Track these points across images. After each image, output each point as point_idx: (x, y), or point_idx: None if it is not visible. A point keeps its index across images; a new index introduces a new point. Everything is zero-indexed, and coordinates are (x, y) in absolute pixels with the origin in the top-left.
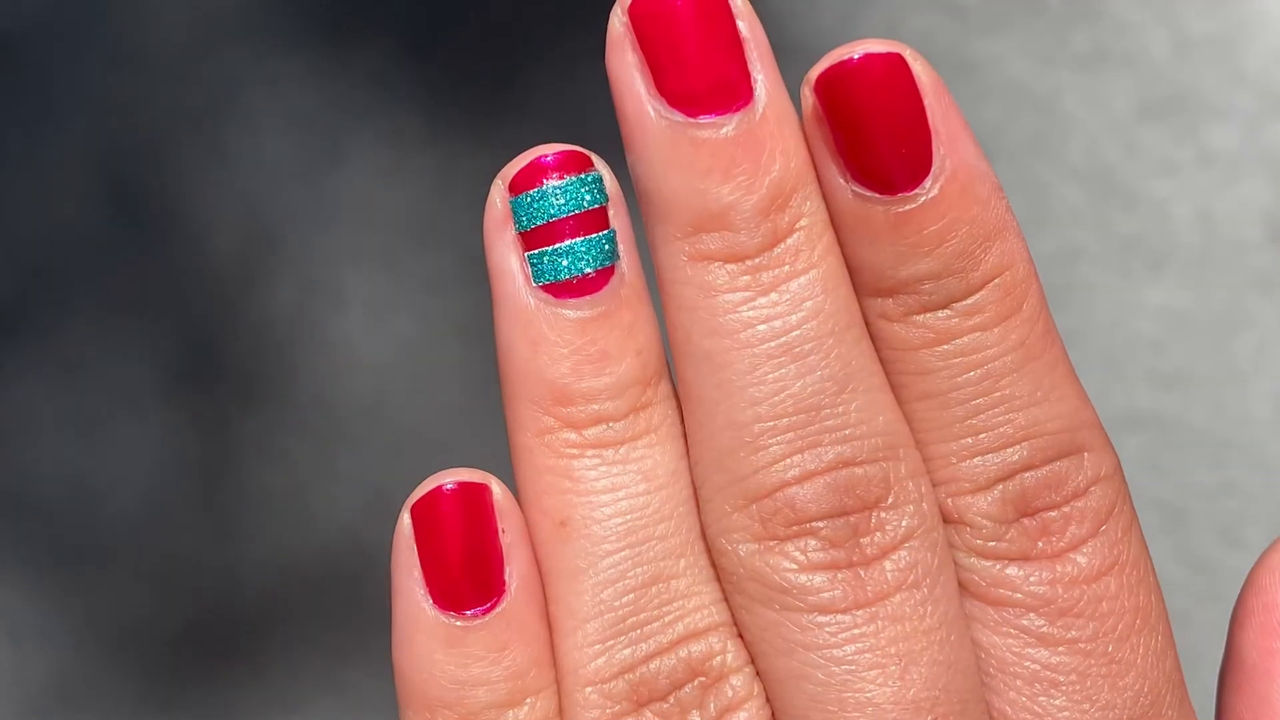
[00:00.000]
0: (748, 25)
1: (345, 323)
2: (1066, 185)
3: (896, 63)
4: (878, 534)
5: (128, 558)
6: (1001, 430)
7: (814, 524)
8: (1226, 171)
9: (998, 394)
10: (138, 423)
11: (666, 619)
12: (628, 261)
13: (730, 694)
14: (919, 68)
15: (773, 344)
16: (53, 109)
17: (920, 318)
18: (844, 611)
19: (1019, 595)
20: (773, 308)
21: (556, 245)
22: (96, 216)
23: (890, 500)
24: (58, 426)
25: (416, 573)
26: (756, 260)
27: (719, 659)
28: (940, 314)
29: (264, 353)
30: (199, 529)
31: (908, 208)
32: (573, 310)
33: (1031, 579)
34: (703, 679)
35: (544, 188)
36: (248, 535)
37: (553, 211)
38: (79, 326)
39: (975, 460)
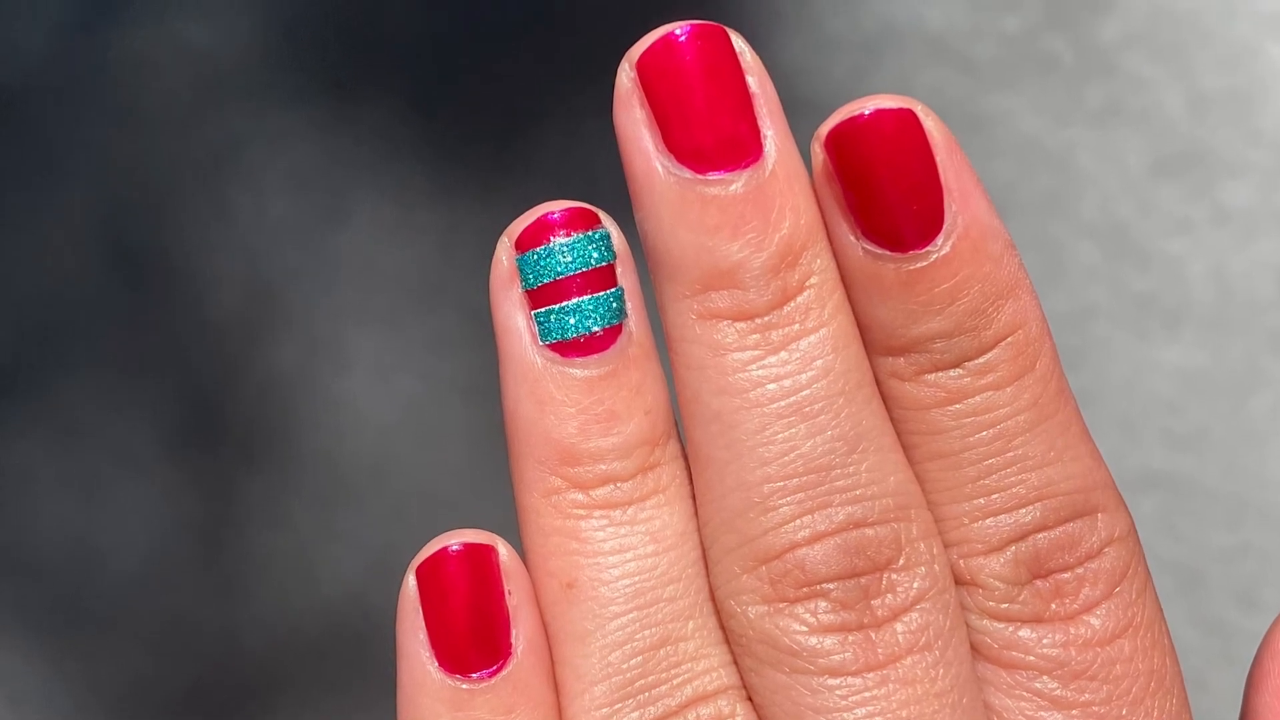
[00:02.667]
0: (757, 80)
1: (349, 382)
2: (1080, 243)
3: (908, 118)
4: (889, 596)
5: (128, 620)
6: (1014, 491)
7: (824, 585)
8: (1242, 229)
9: (1010, 454)
10: (139, 483)
11: (675, 681)
12: (635, 319)
13: None
14: (931, 123)
15: (782, 403)
16: (53, 166)
17: (932, 376)
18: (855, 674)
19: (1032, 658)
20: (782, 366)
21: (563, 303)
22: (97, 275)
23: (901, 561)
24: (58, 487)
25: (422, 635)
26: (766, 319)
27: None
28: (952, 373)
29: (266, 412)
30: (201, 590)
31: (919, 265)
32: (580, 369)
33: (1044, 641)
34: None
35: (551, 245)
36: (250, 597)
37: (559, 269)
38: (79, 386)
39: (987, 521)
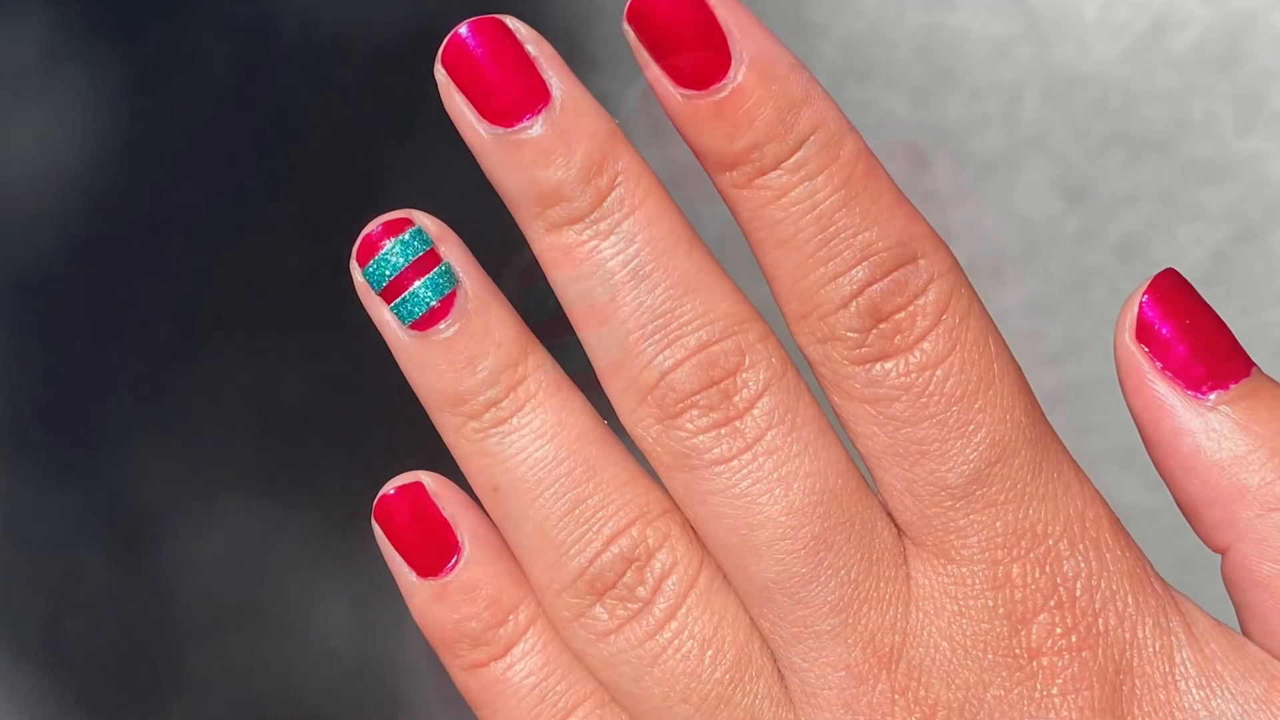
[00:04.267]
0: (535, 46)
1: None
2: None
3: None
4: (744, 391)
5: (130, 666)
6: (843, 256)
7: (694, 398)
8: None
9: (832, 229)
10: (140, 526)
11: (594, 529)
12: (468, 277)
13: (659, 567)
14: None
15: (623, 273)
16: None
17: (760, 180)
18: (734, 458)
19: (884, 390)
20: (613, 246)
21: (405, 293)
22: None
23: (747, 363)
24: (61, 530)
25: (397, 558)
26: (592, 216)
27: (641, 546)
28: (774, 174)
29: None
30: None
31: (721, 96)
32: (437, 335)
33: (893, 372)
34: (636, 563)
35: (381, 254)
36: (260, 638)
37: (394, 268)
38: (101, 440)
39: (829, 286)
